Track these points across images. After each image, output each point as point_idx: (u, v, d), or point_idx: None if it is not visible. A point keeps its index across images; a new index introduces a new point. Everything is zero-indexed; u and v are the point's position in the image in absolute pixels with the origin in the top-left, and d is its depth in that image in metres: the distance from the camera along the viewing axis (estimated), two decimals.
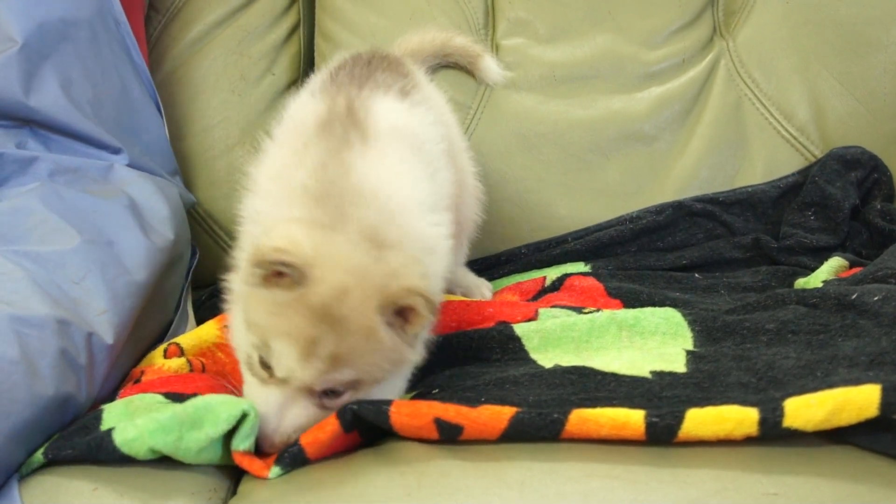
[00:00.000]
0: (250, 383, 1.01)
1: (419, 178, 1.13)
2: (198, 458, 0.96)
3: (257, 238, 1.02)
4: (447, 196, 1.19)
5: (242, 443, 0.96)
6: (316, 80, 1.29)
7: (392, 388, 1.06)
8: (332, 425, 0.96)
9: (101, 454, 0.95)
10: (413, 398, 1.08)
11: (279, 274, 0.97)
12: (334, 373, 0.97)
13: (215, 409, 0.96)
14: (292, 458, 0.95)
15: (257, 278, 0.98)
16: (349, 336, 0.96)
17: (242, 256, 1.08)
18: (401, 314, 0.99)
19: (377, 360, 0.99)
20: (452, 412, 0.95)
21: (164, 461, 0.97)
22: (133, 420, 0.96)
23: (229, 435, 0.97)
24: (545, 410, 0.94)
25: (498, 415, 0.94)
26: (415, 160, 1.14)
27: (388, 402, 0.96)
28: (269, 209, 1.08)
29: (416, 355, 1.05)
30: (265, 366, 0.98)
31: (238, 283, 1.03)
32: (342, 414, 0.96)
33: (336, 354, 0.96)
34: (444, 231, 1.13)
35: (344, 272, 0.97)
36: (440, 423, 0.95)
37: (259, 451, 0.99)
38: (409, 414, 0.95)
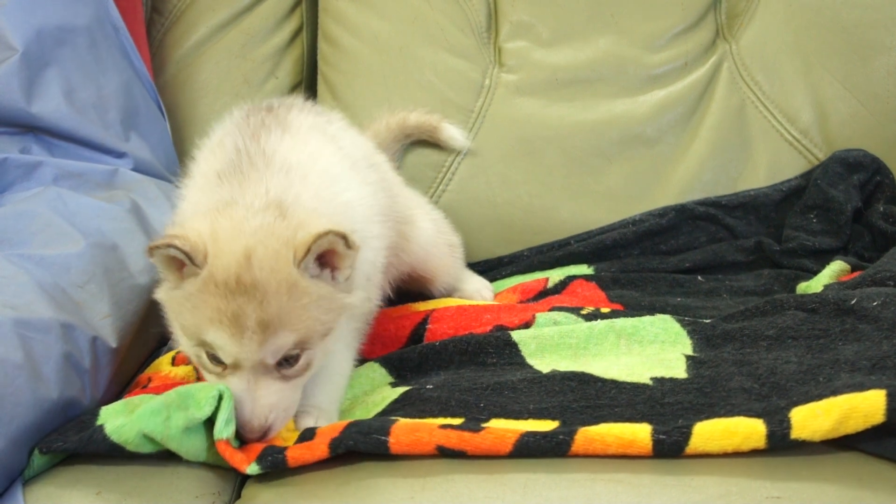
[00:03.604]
0: (211, 383, 1.01)
1: (335, 158, 1.15)
2: (185, 442, 0.96)
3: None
4: (377, 194, 1.19)
5: (224, 430, 0.96)
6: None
7: (339, 335, 1.05)
8: (321, 451, 0.95)
9: (92, 445, 0.96)
10: (405, 394, 1.08)
11: (180, 266, 0.97)
12: (273, 339, 0.96)
13: (195, 395, 0.97)
14: (273, 462, 0.95)
15: (169, 279, 0.99)
16: (270, 298, 0.95)
17: None
18: (324, 261, 0.99)
19: (312, 313, 0.98)
20: (455, 439, 0.94)
21: (167, 463, 0.98)
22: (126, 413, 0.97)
23: (213, 428, 0.97)
24: (550, 432, 0.93)
25: (502, 439, 0.93)
26: (332, 147, 1.16)
27: (387, 431, 0.95)
28: (181, 211, 1.10)
29: (354, 298, 1.04)
30: (215, 360, 0.98)
31: (162, 294, 1.03)
32: (335, 446, 0.95)
33: (264, 320, 0.95)
34: (357, 197, 1.13)
35: (244, 238, 0.96)
36: (443, 450, 0.94)
37: (244, 442, 1.00)
38: (410, 444, 0.94)
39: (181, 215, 1.10)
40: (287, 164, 1.07)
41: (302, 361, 0.99)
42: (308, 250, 0.96)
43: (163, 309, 1.05)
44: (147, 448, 0.96)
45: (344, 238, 0.97)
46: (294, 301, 0.96)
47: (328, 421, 1.05)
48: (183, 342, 1.03)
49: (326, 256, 0.99)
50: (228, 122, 1.19)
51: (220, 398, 0.97)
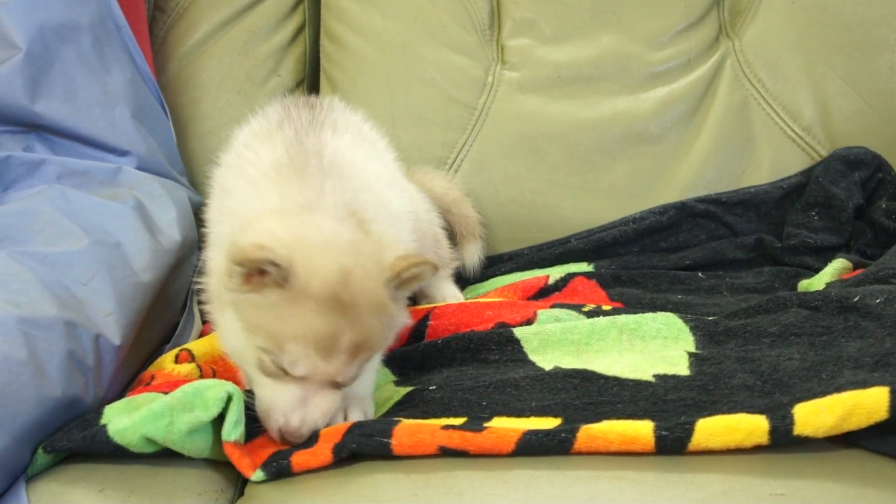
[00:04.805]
0: (264, 383, 0.99)
1: (380, 162, 1.19)
2: (189, 443, 0.96)
3: (233, 235, 1.00)
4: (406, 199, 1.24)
5: (233, 432, 0.96)
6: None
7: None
8: (325, 457, 0.95)
9: (95, 446, 0.95)
10: (408, 395, 1.09)
11: (261, 273, 0.94)
12: (359, 360, 0.97)
13: (204, 394, 0.96)
14: (279, 469, 0.95)
15: (240, 281, 0.96)
16: (365, 319, 0.95)
17: (214, 258, 1.08)
18: (401, 283, 0.99)
19: (388, 332, 1.00)
20: (457, 439, 0.94)
21: (170, 461, 0.98)
22: (129, 414, 0.97)
23: (221, 427, 0.97)
24: (552, 430, 0.93)
25: (504, 438, 0.93)
26: (374, 151, 1.20)
27: (389, 433, 0.95)
28: (237, 204, 1.08)
29: (406, 314, 1.06)
30: (278, 366, 0.97)
31: (219, 288, 1.01)
32: (338, 451, 0.95)
33: (357, 342, 0.95)
34: (405, 204, 1.18)
35: (337, 254, 0.96)
36: (445, 451, 0.94)
37: (252, 436, 1.00)
38: (413, 445, 0.94)
39: (236, 211, 1.07)
40: (348, 168, 1.08)
41: (358, 371, 0.99)
42: (400, 276, 0.97)
43: (208, 297, 1.05)
44: (150, 448, 0.96)
45: (435, 267, 1.00)
46: (380, 321, 0.97)
47: (369, 408, 1.07)
48: (237, 339, 1.00)
49: (407, 279, 1.00)
50: (271, 114, 1.19)
51: (229, 399, 0.96)
